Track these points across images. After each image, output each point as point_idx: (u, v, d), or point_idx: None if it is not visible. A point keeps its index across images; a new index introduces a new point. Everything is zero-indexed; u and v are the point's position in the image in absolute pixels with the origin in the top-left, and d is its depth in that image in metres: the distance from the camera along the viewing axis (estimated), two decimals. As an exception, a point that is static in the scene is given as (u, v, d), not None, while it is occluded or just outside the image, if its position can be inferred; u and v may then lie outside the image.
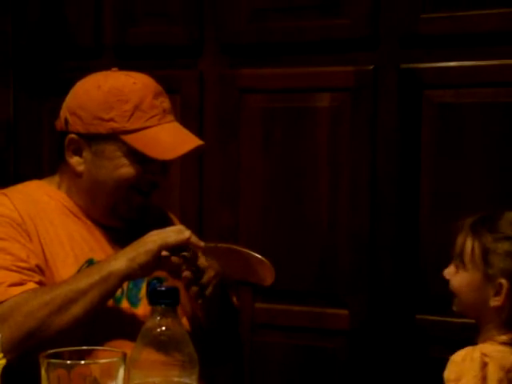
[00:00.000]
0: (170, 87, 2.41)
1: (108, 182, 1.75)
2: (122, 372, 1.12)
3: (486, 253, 1.59)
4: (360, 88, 2.51)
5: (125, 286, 1.75)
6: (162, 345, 1.19)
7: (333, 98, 2.54)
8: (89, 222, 1.80)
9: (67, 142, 1.78)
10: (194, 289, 1.68)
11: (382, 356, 2.50)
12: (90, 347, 1.18)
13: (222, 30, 2.69)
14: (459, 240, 1.64)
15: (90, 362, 1.11)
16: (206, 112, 2.73)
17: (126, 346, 1.65)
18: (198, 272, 1.68)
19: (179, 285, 1.71)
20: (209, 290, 1.70)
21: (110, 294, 1.65)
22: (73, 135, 1.77)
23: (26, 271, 1.67)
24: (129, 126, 1.74)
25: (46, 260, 1.72)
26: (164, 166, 1.78)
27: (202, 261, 1.70)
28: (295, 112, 2.60)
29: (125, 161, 1.74)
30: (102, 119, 1.74)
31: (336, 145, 2.54)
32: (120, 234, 1.81)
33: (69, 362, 1.11)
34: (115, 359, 1.12)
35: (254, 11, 2.63)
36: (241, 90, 2.67)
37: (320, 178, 2.56)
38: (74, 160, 1.79)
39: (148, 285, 1.78)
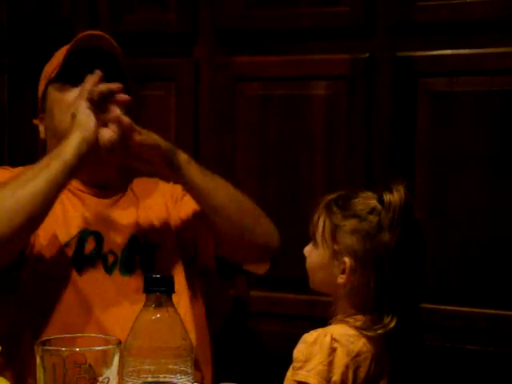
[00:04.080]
0: (165, 75, 2.42)
1: (59, 125, 1.81)
2: (116, 359, 1.12)
3: (334, 230, 1.57)
4: (356, 76, 2.50)
5: (119, 253, 1.77)
6: (157, 332, 1.19)
7: (328, 85, 2.54)
8: (79, 194, 1.84)
9: (38, 119, 1.90)
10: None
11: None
12: (85, 334, 1.18)
13: (218, 18, 2.68)
14: (314, 218, 1.62)
15: (85, 349, 1.11)
16: (201, 100, 2.73)
17: (121, 314, 1.67)
18: None
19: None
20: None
21: (72, 167, 1.65)
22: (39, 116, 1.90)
23: None
24: (52, 73, 1.85)
25: (36, 234, 1.73)
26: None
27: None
28: (291, 100, 2.59)
29: (58, 95, 1.83)
30: (43, 79, 1.89)
31: (331, 132, 2.54)
32: (112, 205, 1.84)
33: (64, 349, 1.11)
34: (110, 346, 1.12)
35: (249, -2, 2.62)
36: (236, 77, 2.66)
37: (315, 165, 2.56)
38: (40, 130, 1.90)
39: (140, 256, 1.80)
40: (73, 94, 1.79)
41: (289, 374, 1.54)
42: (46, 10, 2.92)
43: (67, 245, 1.75)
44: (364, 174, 2.50)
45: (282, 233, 2.60)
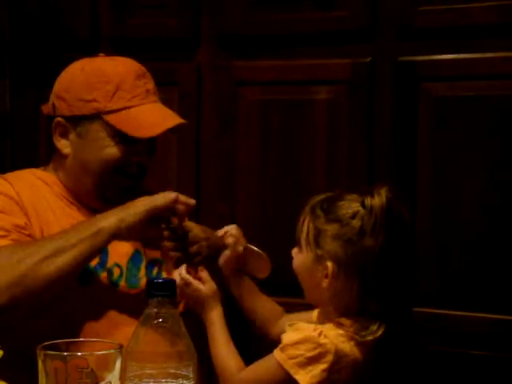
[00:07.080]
0: (167, 79, 2.41)
1: (93, 163, 1.77)
2: (118, 364, 1.12)
3: (317, 234, 1.56)
4: (357, 80, 2.50)
5: (124, 266, 1.76)
6: (159, 337, 1.19)
7: (330, 90, 2.54)
8: (81, 207, 1.82)
9: (54, 125, 1.82)
10: (174, 254, 1.71)
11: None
12: (87, 339, 1.18)
13: (219, 22, 2.68)
14: (300, 220, 1.62)
15: (87, 353, 1.11)
16: (203, 104, 2.73)
17: (125, 326, 1.67)
18: (183, 239, 1.73)
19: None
20: (197, 259, 1.72)
21: (98, 249, 1.66)
22: (59, 118, 1.80)
23: (25, 234, 1.70)
24: (111, 105, 1.75)
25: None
26: (149, 146, 1.79)
27: (197, 231, 1.72)
28: (292, 104, 2.59)
29: (109, 141, 1.76)
30: (85, 100, 1.76)
31: (333, 137, 2.54)
32: None
33: (66, 353, 1.11)
34: (112, 351, 1.12)
35: (250, 3, 2.62)
36: (238, 82, 2.67)
37: (317, 169, 2.56)
38: (61, 143, 1.82)
39: (147, 267, 1.80)
40: (115, 150, 1.76)
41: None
42: (47, 15, 2.92)
43: None
44: (365, 178, 2.49)
45: (282, 236, 2.61)
